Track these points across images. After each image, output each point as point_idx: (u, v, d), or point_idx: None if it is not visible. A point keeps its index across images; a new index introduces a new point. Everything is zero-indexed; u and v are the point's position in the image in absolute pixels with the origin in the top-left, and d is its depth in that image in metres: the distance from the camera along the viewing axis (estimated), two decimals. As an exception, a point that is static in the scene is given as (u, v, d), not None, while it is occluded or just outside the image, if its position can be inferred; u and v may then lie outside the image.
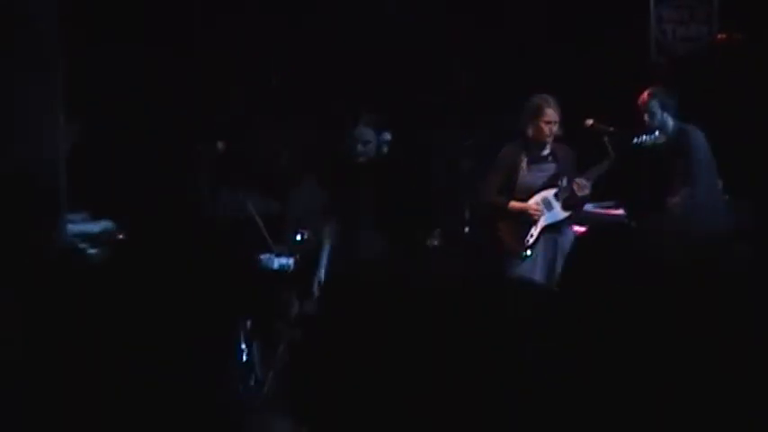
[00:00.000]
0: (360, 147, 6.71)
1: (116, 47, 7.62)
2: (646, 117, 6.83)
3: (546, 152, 6.75)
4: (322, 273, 6.62)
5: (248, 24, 8.14)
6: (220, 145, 6.95)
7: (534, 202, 6.68)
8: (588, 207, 7.05)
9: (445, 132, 8.09)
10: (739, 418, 3.22)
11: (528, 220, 6.66)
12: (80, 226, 5.78)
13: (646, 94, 6.87)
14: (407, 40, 8.43)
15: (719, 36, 8.35)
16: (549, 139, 6.67)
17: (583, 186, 6.62)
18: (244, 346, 6.18)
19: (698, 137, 6.83)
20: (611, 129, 6.80)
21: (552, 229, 6.68)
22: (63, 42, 4.71)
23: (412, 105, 8.29)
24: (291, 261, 6.69)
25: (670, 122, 6.85)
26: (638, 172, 6.91)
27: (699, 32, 8.46)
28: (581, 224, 6.76)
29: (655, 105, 6.83)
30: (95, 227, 5.89)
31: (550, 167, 6.75)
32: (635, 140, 6.73)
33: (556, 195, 6.68)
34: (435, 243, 7.13)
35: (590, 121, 6.87)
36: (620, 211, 7.39)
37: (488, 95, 8.36)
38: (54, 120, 4.65)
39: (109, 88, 7.53)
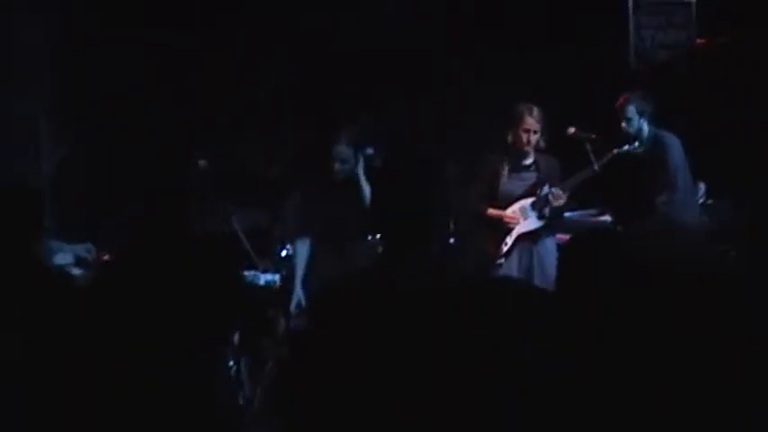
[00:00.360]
0: (338, 165, 6.59)
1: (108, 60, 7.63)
2: (623, 124, 6.84)
3: (528, 161, 6.78)
4: (299, 290, 6.55)
5: (246, 25, 8.14)
6: (202, 163, 6.93)
7: (511, 210, 6.72)
8: (573, 215, 7.08)
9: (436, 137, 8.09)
10: (732, 414, 3.23)
11: (504, 228, 6.70)
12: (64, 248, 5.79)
13: (622, 99, 6.88)
14: (407, 40, 8.44)
15: (699, 41, 8.37)
16: (528, 148, 6.69)
17: (557, 197, 6.65)
18: (231, 362, 6.18)
19: (674, 144, 6.84)
20: (593, 136, 6.83)
21: (527, 237, 6.71)
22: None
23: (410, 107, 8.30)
24: (278, 277, 6.68)
25: (646, 129, 6.85)
26: (621, 179, 6.93)
27: (678, 38, 8.48)
28: (566, 232, 6.78)
29: (631, 111, 6.84)
30: (79, 249, 5.89)
31: (531, 177, 6.78)
32: (615, 151, 6.74)
33: (532, 205, 6.71)
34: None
35: (572, 129, 6.89)
36: (606, 218, 7.41)
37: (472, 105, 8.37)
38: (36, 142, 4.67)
39: (95, 101, 7.53)
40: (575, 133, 6.88)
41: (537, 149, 6.74)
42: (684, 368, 3.32)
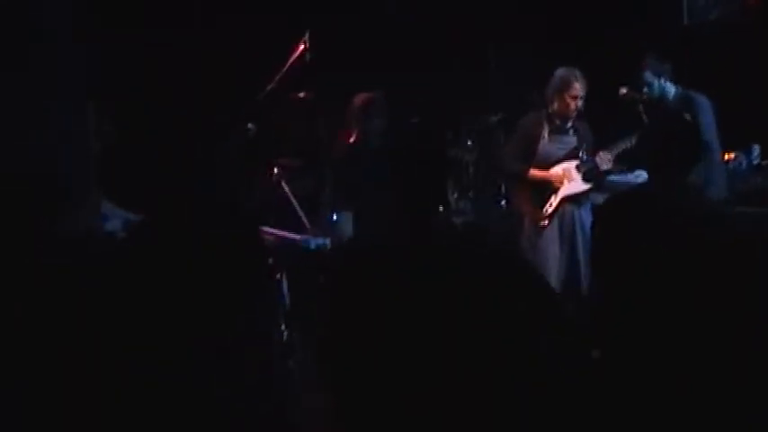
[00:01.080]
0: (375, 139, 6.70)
1: (138, 37, 7.67)
2: (645, 89, 6.73)
3: (568, 125, 6.74)
4: None
5: (248, 24, 8.16)
6: (251, 126, 6.96)
7: (555, 171, 6.68)
8: (617, 178, 7.02)
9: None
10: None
11: (547, 189, 6.67)
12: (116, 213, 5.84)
13: (638, 67, 6.77)
14: (407, 40, 8.41)
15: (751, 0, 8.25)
16: (574, 114, 6.65)
17: (605, 160, 6.61)
18: (284, 327, 6.22)
19: (703, 104, 6.69)
20: (646, 96, 6.74)
21: (571, 200, 6.67)
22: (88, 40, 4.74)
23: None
24: (328, 241, 6.70)
25: (671, 89, 6.73)
26: (656, 143, 6.83)
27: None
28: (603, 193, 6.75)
29: (649, 75, 6.73)
30: (130, 214, 5.94)
31: (571, 140, 6.74)
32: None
33: (577, 167, 6.67)
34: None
35: (624, 90, 6.81)
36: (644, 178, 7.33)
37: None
38: (81, 119, 4.69)
39: (132, 82, 7.57)
40: (627, 93, 6.80)
41: (579, 115, 6.70)
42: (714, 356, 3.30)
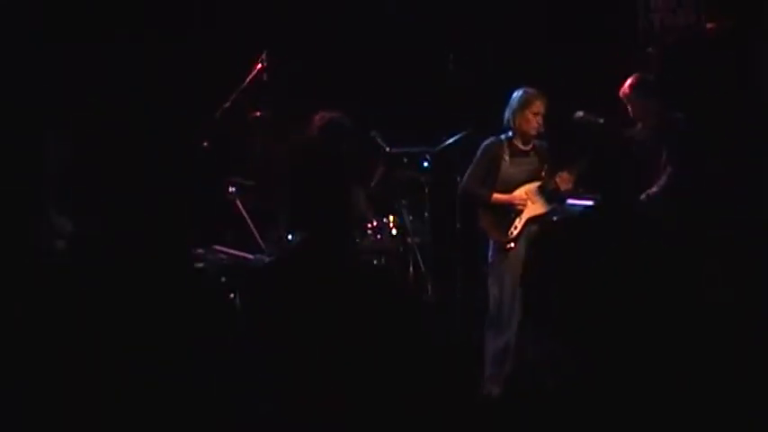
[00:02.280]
0: None
1: (104, 46, 7.61)
2: (629, 108, 6.82)
3: (528, 146, 6.77)
4: None
5: (246, 23, 8.13)
6: (207, 144, 6.91)
7: (518, 194, 6.70)
8: (576, 202, 7.03)
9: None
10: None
11: (511, 212, 6.68)
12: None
13: (626, 85, 6.84)
14: (407, 39, 8.42)
15: (708, 25, 8.30)
16: (536, 132, 6.68)
17: (567, 180, 6.64)
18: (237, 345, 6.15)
19: (681, 124, 6.78)
20: (601, 120, 6.78)
21: (536, 221, 6.69)
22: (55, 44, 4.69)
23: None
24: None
25: (654, 111, 6.80)
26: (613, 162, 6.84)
27: (687, 21, 8.41)
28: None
29: (636, 95, 6.81)
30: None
31: (533, 161, 6.77)
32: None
33: (539, 188, 6.70)
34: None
35: (580, 113, 6.85)
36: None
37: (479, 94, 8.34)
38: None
39: (96, 90, 7.50)
40: (583, 117, 6.84)
41: (539, 134, 6.72)
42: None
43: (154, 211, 5.78)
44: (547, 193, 6.70)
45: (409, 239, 7.26)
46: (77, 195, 5.73)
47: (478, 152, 6.84)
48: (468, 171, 6.86)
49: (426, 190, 7.63)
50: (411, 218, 7.43)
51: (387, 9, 8.63)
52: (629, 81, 6.85)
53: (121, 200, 6.10)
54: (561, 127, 6.82)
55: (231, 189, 6.90)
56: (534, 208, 6.71)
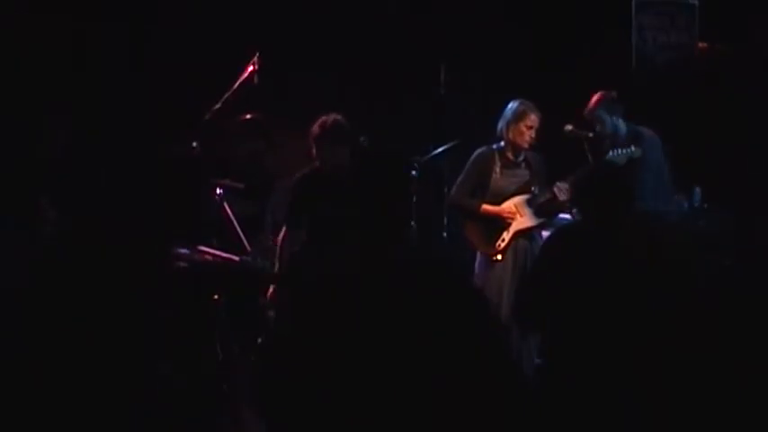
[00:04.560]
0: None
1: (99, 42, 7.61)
2: (597, 126, 6.80)
3: (520, 158, 6.74)
4: None
5: (239, 24, 8.13)
6: (195, 145, 6.88)
7: (507, 206, 6.67)
8: (563, 216, 7.02)
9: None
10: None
11: (499, 224, 6.65)
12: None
13: (591, 103, 6.83)
14: (400, 46, 8.42)
15: (700, 44, 8.33)
16: (527, 145, 6.66)
17: (563, 190, 6.60)
18: (220, 349, 6.14)
19: (651, 138, 6.79)
20: (590, 134, 6.79)
21: (524, 234, 6.66)
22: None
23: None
24: (268, 265, 6.62)
25: (622, 126, 6.80)
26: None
27: (679, 40, 8.44)
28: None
29: (602, 112, 6.80)
30: None
31: (524, 173, 6.74)
32: (610, 154, 6.67)
33: (529, 201, 6.67)
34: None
35: (569, 127, 6.86)
36: None
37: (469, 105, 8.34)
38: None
39: (83, 93, 7.50)
40: (572, 131, 6.85)
41: (531, 147, 6.71)
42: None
43: (139, 208, 5.76)
44: (536, 206, 6.68)
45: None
46: (68, 183, 5.71)
47: (469, 162, 6.82)
48: (458, 180, 6.84)
49: (414, 198, 7.62)
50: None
51: (383, 13, 8.60)
52: (593, 99, 6.83)
53: (108, 193, 6.10)
54: (550, 140, 6.81)
55: (219, 191, 6.87)
56: (523, 221, 6.68)
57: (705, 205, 7.41)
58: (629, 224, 4.39)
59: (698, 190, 7.39)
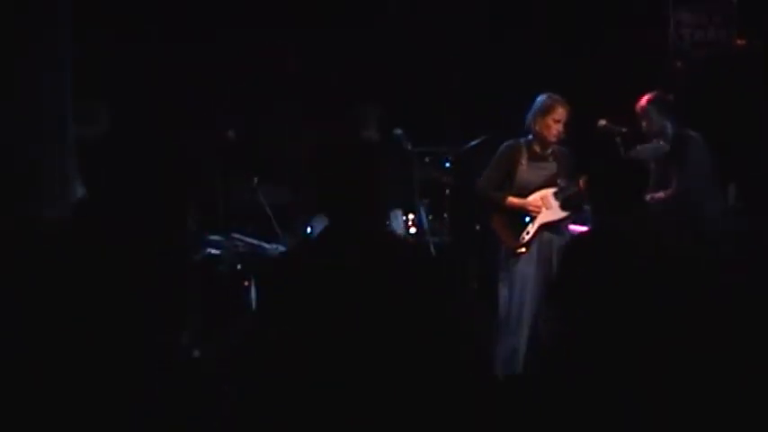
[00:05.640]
0: None
1: (129, 36, 7.70)
2: (644, 123, 6.78)
3: (547, 152, 6.73)
4: None
5: (240, 35, 8.19)
6: (231, 134, 6.95)
7: (533, 199, 6.68)
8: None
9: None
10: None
11: (525, 216, 6.66)
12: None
13: (644, 100, 6.80)
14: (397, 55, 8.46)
15: (738, 41, 8.28)
16: (554, 138, 6.65)
17: None
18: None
19: (695, 142, 6.75)
20: (624, 130, 6.78)
21: (549, 227, 6.67)
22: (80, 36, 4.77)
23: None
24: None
25: (669, 127, 6.77)
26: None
27: (717, 37, 8.39)
28: (582, 224, 6.75)
29: (653, 111, 6.77)
30: None
31: (550, 167, 6.73)
32: (637, 148, 6.66)
33: (555, 195, 6.67)
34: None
35: (603, 122, 6.84)
36: None
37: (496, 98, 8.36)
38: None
39: (122, 79, 7.58)
40: (605, 126, 6.84)
41: (559, 141, 6.71)
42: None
43: (168, 195, 5.83)
44: (562, 199, 6.68)
45: (427, 238, 7.28)
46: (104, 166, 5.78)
47: (497, 154, 6.83)
48: (485, 172, 6.85)
49: (447, 191, 7.65)
50: (430, 217, 7.45)
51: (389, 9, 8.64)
52: (646, 97, 6.82)
53: (137, 178, 6.16)
54: (583, 134, 6.80)
55: (255, 180, 6.95)
56: (549, 214, 6.67)
57: (738, 203, 7.38)
58: (639, 218, 4.40)
59: (732, 188, 7.36)
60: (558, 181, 6.68)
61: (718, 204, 6.93)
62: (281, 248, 6.61)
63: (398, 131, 7.36)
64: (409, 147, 7.44)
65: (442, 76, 8.51)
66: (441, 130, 8.16)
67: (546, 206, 6.65)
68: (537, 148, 6.71)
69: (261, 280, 5.60)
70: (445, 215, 7.62)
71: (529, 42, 8.59)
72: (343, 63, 8.32)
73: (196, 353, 5.67)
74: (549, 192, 6.67)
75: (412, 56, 8.47)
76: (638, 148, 6.64)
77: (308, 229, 6.93)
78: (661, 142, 6.65)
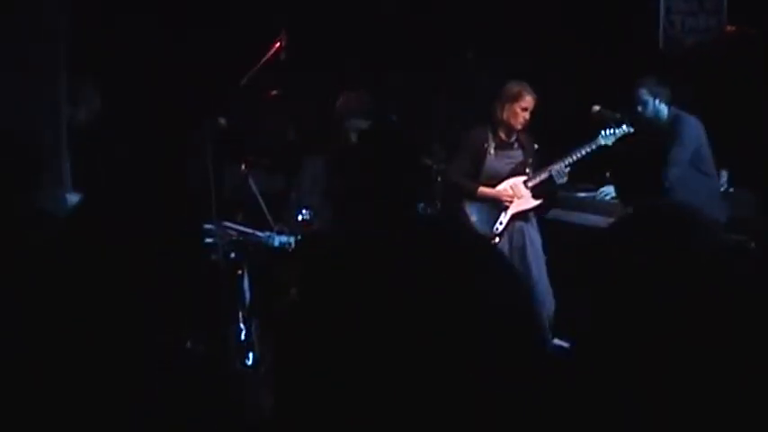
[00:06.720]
0: (353, 136, 6.57)
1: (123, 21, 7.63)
2: (638, 108, 6.78)
3: (512, 139, 6.75)
4: None
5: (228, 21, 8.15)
6: (222, 121, 6.89)
7: (504, 188, 6.68)
8: (581, 195, 7.02)
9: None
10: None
11: (496, 206, 6.66)
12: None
13: (638, 84, 6.81)
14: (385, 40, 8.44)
15: (729, 28, 8.28)
16: (521, 126, 6.66)
17: (561, 173, 6.64)
18: (242, 325, 6.17)
19: (691, 123, 6.75)
20: (618, 115, 6.79)
21: (520, 216, 6.69)
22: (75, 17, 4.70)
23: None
24: (292, 240, 6.64)
25: (664, 110, 6.77)
26: (628, 157, 6.87)
27: (708, 24, 8.39)
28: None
29: (645, 94, 6.77)
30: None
31: (517, 154, 6.76)
32: (601, 134, 6.69)
33: (525, 183, 6.69)
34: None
35: (596, 108, 6.86)
36: (601, 194, 7.45)
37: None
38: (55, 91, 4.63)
39: (113, 65, 7.52)
40: (599, 112, 6.84)
41: (524, 129, 6.71)
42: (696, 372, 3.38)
43: (161, 184, 5.77)
44: (533, 188, 6.70)
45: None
46: (96, 149, 5.72)
47: (463, 141, 6.83)
48: (453, 161, 6.85)
49: (438, 178, 7.63)
50: (422, 205, 7.43)
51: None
52: (640, 81, 6.82)
53: (130, 166, 6.14)
54: (578, 121, 6.81)
55: (243, 167, 6.89)
56: (520, 203, 6.70)
57: (731, 189, 7.39)
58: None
59: (724, 173, 7.37)
60: (527, 170, 6.71)
61: (716, 184, 6.95)
62: (275, 236, 6.55)
63: (393, 117, 7.34)
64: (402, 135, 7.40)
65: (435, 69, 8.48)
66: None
67: (517, 195, 6.67)
68: (503, 136, 6.72)
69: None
70: (436, 201, 7.59)
71: (517, 32, 8.57)
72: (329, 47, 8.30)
73: (188, 344, 5.61)
74: (519, 180, 6.69)
75: (409, 52, 8.45)
76: (603, 134, 6.66)
77: (300, 217, 6.87)
78: (624, 127, 6.69)
